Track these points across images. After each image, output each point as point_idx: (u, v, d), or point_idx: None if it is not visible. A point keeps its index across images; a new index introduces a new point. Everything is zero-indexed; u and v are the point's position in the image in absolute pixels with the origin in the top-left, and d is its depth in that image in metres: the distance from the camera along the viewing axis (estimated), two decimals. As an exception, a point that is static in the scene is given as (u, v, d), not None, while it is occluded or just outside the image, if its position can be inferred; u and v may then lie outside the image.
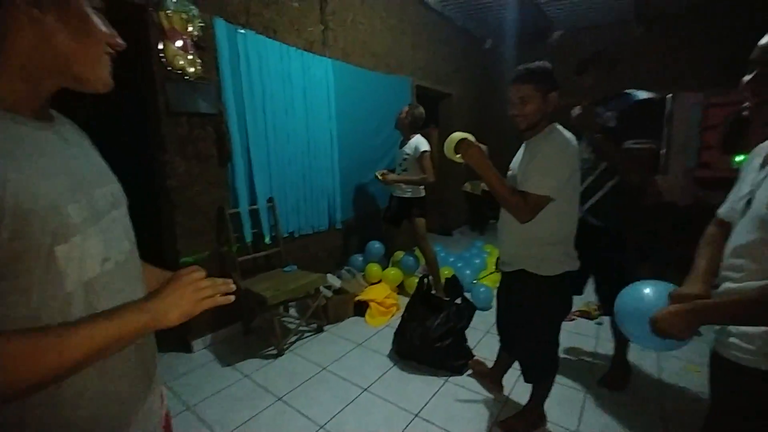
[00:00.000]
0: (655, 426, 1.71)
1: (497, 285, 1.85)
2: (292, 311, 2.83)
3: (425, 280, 2.44)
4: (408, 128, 2.90)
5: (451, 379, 2.06)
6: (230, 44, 2.36)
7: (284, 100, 2.73)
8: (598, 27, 4.87)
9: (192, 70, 2.19)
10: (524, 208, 1.36)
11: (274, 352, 2.28)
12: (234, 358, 2.25)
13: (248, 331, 2.52)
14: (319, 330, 2.58)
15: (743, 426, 0.84)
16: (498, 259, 1.71)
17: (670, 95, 4.62)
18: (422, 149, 2.77)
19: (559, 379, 1.98)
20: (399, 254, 3.34)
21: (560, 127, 1.44)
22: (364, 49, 3.47)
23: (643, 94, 1.83)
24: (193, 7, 2.13)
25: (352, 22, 3.30)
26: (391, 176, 2.93)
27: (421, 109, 2.90)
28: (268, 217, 2.64)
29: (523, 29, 5.10)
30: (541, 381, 1.65)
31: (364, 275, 3.14)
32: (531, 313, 1.55)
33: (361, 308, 2.79)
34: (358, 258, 3.28)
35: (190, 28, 2.14)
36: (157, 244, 2.24)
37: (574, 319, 2.72)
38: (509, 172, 1.59)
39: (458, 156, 1.43)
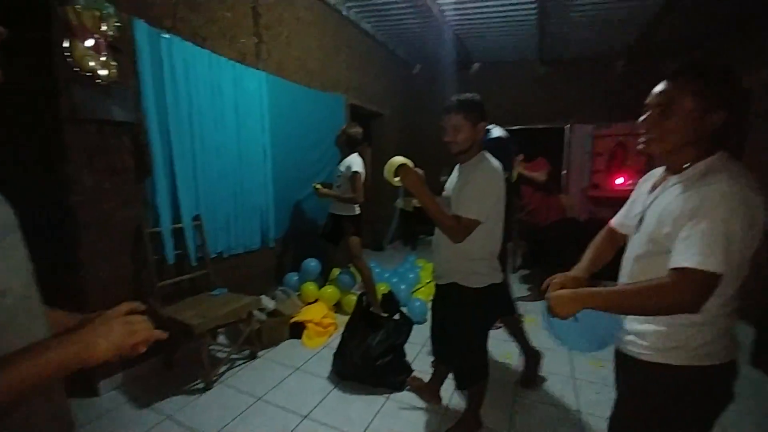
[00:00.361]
0: (573, 416, 1.92)
1: (431, 297, 1.94)
2: (222, 338, 2.61)
3: (363, 297, 2.45)
4: (344, 147, 2.94)
5: (392, 396, 2.08)
6: (152, 48, 2.17)
7: (213, 111, 2.57)
8: (509, 63, 5.51)
9: (105, 73, 1.96)
10: (457, 230, 1.48)
11: (201, 385, 2.07)
12: (152, 397, 1.99)
13: (169, 365, 2.25)
14: (253, 356, 2.41)
15: (642, 410, 1.00)
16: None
17: (568, 126, 5.39)
18: (353, 169, 2.82)
19: (491, 385, 2.13)
20: (335, 272, 3.30)
21: (489, 156, 1.59)
22: (299, 65, 3.45)
23: (496, 132, 2.15)
24: (108, 5, 1.93)
25: (286, 38, 3.27)
26: (324, 190, 2.94)
27: (357, 129, 2.97)
28: (194, 236, 2.43)
29: (447, 58, 5.55)
30: (472, 386, 1.76)
31: (299, 295, 3.03)
32: (462, 322, 1.67)
33: (297, 330, 2.68)
34: (294, 277, 3.16)
35: (103, 28, 1.92)
36: (58, 272, 1.91)
37: (500, 327, 2.94)
38: (444, 193, 1.70)
39: (397, 179, 1.50)
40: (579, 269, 1.18)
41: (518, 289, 3.70)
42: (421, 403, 2.02)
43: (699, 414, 0.94)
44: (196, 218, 2.44)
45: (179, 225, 2.33)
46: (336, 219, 3.01)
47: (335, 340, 2.37)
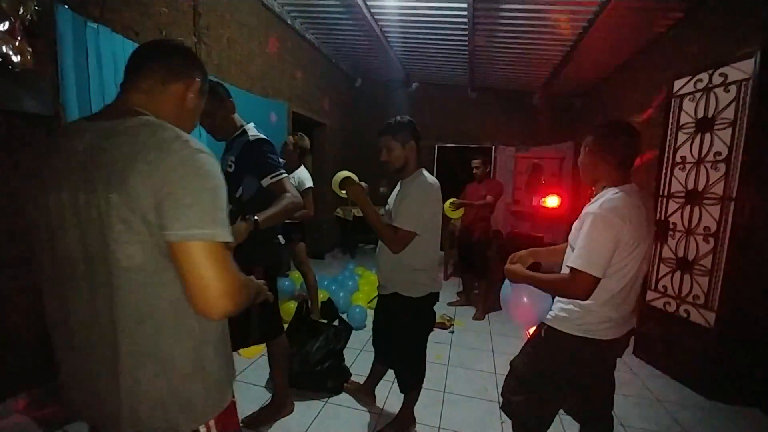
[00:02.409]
0: (494, 407, 2.14)
1: (369, 304, 2.04)
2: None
3: (304, 304, 2.46)
4: (296, 159, 2.92)
5: (330, 399, 2.12)
6: (76, 38, 2.01)
7: (146, 110, 2.43)
8: (444, 85, 5.95)
9: (18, 59, 1.77)
10: (395, 241, 1.59)
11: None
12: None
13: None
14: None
15: (533, 357, 1.36)
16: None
17: (494, 147, 5.96)
18: (307, 185, 2.81)
19: (424, 384, 2.28)
20: (273, 280, 3.25)
21: (426, 173, 1.72)
22: (240, 69, 3.39)
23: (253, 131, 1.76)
24: (27, -14, 1.76)
25: (228, 41, 3.20)
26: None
27: (307, 141, 2.99)
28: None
29: (388, 76, 5.82)
30: (414, 389, 1.87)
31: (234, 304, 2.92)
32: (404, 330, 1.77)
33: (232, 340, 2.58)
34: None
35: (21, 10, 1.74)
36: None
37: (432, 330, 3.14)
38: (387, 206, 1.82)
39: (343, 192, 1.62)
40: (532, 251, 1.51)
41: (450, 294, 3.98)
42: (358, 405, 2.09)
43: (569, 371, 1.27)
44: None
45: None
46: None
47: (273, 349, 2.34)
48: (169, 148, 0.65)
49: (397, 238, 1.57)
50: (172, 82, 0.79)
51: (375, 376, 2.13)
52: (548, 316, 1.33)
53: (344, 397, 2.15)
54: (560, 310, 1.29)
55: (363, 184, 1.64)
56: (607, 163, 1.24)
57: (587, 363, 1.27)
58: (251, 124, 1.82)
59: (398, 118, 1.69)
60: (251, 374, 2.32)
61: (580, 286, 1.12)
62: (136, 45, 2.34)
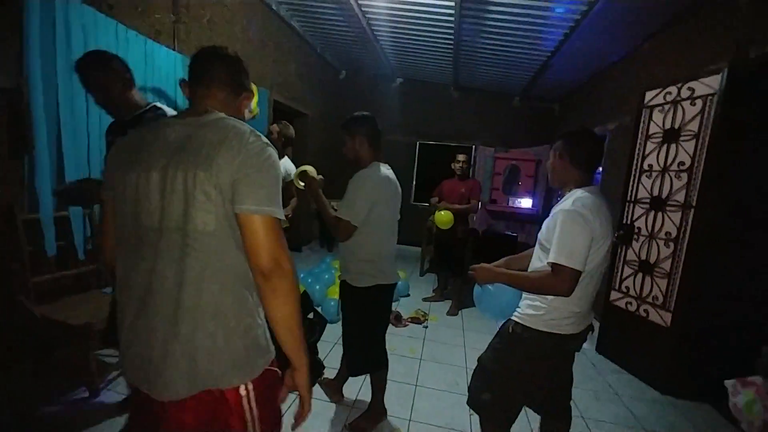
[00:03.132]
0: (463, 399, 2.20)
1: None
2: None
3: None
4: (280, 149, 2.85)
5: (303, 392, 2.11)
6: (43, 8, 1.89)
7: (117, 89, 2.31)
8: (428, 83, 5.98)
9: (-23, 26, 1.65)
10: (337, 231, 1.66)
11: (86, 394, 1.84)
12: (19, 409, 1.70)
13: (38, 371, 1.94)
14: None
15: (501, 351, 1.40)
16: None
17: (474, 146, 6.05)
18: (293, 176, 2.81)
19: (395, 377, 2.32)
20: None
21: (380, 166, 1.72)
22: (221, 52, 3.28)
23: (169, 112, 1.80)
24: (-11, -52, 1.63)
25: (209, 22, 3.09)
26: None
27: (292, 130, 2.94)
28: (82, 225, 2.14)
29: (373, 70, 5.78)
30: (360, 374, 1.93)
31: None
32: (349, 317, 1.85)
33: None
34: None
35: (-19, -26, 1.62)
36: None
37: (407, 325, 3.19)
38: None
39: (302, 184, 1.75)
40: (507, 259, 1.57)
41: (425, 290, 4.03)
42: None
43: (535, 366, 1.33)
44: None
45: (65, 212, 2.04)
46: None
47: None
48: (248, 139, 0.80)
49: (340, 228, 1.64)
50: (239, 97, 0.97)
51: (344, 374, 2.12)
52: (516, 313, 1.38)
53: (317, 390, 2.15)
54: (527, 306, 1.33)
55: (320, 177, 1.75)
56: (574, 167, 1.33)
57: (551, 357, 1.33)
58: (158, 102, 1.67)
59: (356, 113, 1.77)
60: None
61: (564, 281, 1.15)
62: (110, 20, 2.23)
